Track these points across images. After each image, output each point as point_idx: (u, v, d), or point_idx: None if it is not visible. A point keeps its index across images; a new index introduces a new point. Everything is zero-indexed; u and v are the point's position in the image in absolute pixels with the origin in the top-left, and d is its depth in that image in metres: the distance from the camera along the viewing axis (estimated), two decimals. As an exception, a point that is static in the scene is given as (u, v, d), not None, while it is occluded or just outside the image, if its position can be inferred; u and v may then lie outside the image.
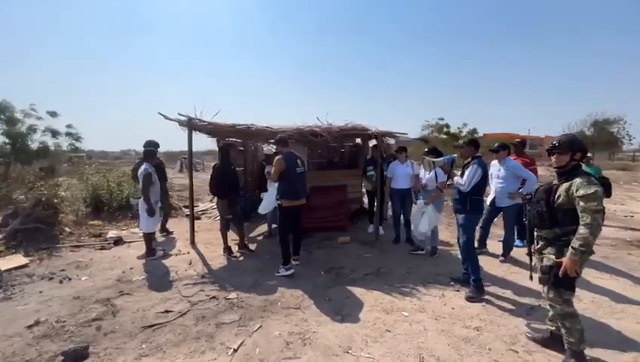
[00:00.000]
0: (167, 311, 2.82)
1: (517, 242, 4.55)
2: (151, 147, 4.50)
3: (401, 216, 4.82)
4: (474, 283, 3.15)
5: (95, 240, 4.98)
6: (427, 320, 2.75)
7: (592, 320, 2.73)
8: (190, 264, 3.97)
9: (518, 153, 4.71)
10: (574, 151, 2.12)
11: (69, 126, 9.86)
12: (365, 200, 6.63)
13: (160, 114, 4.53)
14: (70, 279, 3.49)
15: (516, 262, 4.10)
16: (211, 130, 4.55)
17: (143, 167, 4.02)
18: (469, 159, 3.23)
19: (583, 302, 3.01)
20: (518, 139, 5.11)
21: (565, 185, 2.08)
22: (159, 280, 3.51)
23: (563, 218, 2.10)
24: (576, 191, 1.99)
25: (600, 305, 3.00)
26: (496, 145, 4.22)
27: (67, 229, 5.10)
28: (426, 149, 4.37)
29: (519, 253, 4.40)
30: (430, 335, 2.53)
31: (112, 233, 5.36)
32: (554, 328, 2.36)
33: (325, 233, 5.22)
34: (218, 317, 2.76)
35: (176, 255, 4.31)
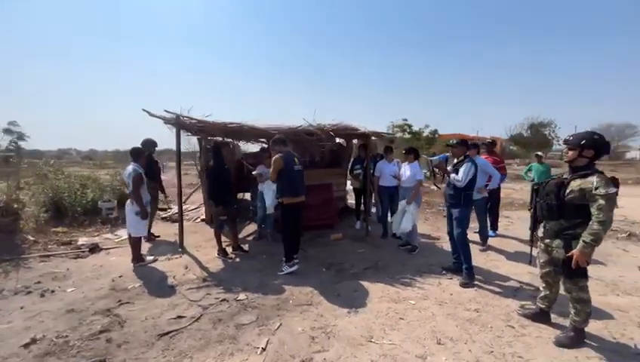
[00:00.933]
0: (179, 317, 2.71)
1: (490, 233, 5.06)
2: (148, 146, 4.19)
3: (389, 212, 5.08)
4: (466, 270, 3.48)
5: (66, 248, 4.52)
6: (433, 307, 2.99)
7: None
8: (187, 268, 3.80)
9: (490, 152, 5.23)
10: (582, 148, 2.21)
11: (11, 123, 8.68)
12: (348, 198, 6.84)
13: (144, 110, 4.25)
14: (53, 291, 3.16)
15: (494, 250, 4.58)
16: (201, 128, 4.37)
17: (131, 168, 3.75)
18: (461, 157, 3.56)
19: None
20: (489, 140, 5.67)
21: (578, 181, 2.21)
22: (158, 286, 3.33)
23: (570, 211, 2.26)
24: (596, 189, 2.09)
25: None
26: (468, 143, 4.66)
27: (30, 238, 4.55)
28: (404, 150, 4.70)
29: (494, 241, 4.92)
30: (439, 320, 2.77)
31: (82, 240, 4.90)
32: (544, 306, 2.69)
33: (315, 231, 5.30)
34: (235, 319, 2.72)
35: (169, 259, 4.09)
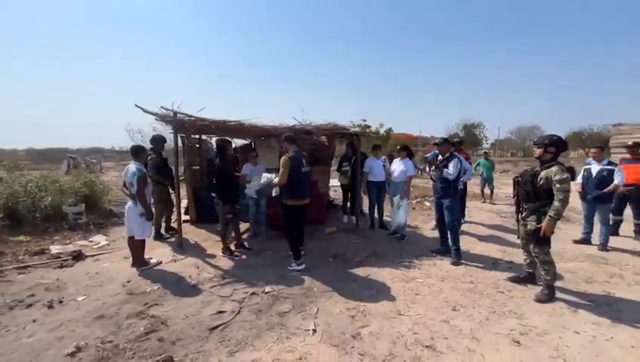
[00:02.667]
0: (220, 312, 2.76)
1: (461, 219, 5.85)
2: (159, 142, 3.93)
3: (376, 205, 5.56)
4: (455, 251, 4.08)
5: (40, 258, 4.06)
6: (438, 283, 3.50)
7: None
8: (198, 268, 3.75)
9: (457, 150, 6.03)
10: (546, 146, 2.94)
11: None
12: (331, 194, 7.18)
13: (137, 106, 4.04)
14: (61, 302, 2.91)
15: (466, 234, 5.35)
16: (200, 126, 4.28)
17: (135, 167, 3.54)
18: (447, 154, 4.14)
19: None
20: (457, 139, 6.51)
21: (546, 171, 2.90)
22: (178, 287, 3.27)
23: (542, 194, 2.95)
24: (554, 176, 2.81)
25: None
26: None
27: (-5, 249, 3.98)
28: (398, 147, 5.23)
29: (463, 226, 5.71)
30: (447, 292, 3.28)
31: (56, 248, 4.42)
32: (530, 270, 3.40)
33: (309, 226, 5.49)
34: (274, 309, 2.87)
35: (175, 261, 3.97)
